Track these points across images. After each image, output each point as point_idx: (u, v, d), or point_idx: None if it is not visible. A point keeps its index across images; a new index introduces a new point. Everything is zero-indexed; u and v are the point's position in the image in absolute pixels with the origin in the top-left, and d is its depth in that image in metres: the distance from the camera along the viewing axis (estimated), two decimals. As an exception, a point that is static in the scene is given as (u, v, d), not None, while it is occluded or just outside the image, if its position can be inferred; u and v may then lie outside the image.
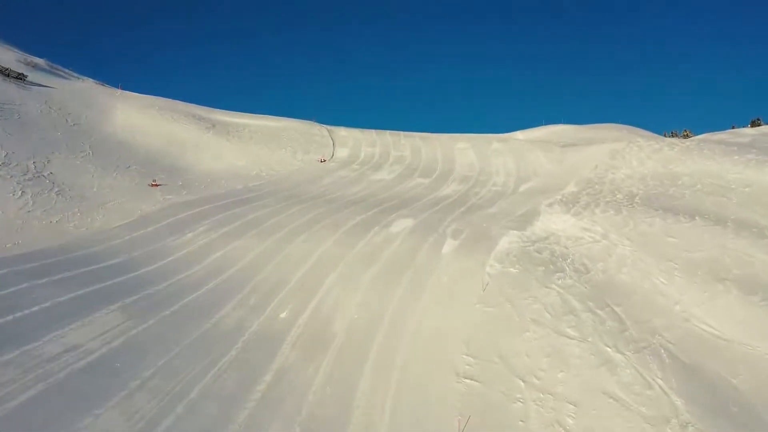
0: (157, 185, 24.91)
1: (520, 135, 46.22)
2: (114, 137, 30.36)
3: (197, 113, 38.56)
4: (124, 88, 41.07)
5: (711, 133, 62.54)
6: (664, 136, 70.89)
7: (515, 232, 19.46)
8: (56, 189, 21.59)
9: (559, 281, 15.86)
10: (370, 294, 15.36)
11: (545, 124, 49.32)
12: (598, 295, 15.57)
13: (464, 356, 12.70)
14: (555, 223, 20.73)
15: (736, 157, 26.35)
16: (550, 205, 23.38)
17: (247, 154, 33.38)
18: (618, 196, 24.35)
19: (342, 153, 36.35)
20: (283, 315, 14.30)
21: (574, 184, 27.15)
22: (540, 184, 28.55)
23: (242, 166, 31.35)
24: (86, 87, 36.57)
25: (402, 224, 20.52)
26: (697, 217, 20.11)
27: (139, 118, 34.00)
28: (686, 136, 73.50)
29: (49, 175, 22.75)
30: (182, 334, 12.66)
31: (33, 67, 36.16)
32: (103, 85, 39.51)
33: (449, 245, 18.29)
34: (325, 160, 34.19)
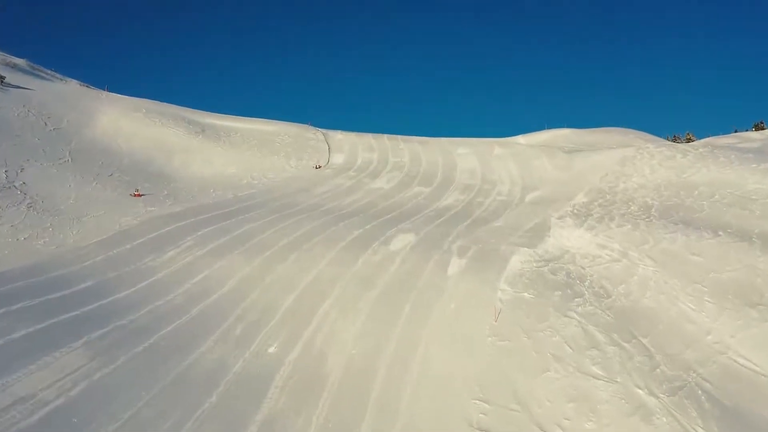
0: (140, 195, 23.26)
1: (521, 139, 44.74)
2: (97, 142, 28.68)
3: (187, 116, 36.89)
4: (110, 90, 39.40)
5: (716, 137, 61.33)
6: (667, 139, 69.69)
7: (526, 249, 17.92)
8: (28, 201, 19.92)
9: (579, 308, 14.32)
10: (369, 324, 13.77)
11: (547, 128, 47.88)
12: (623, 324, 14.05)
13: (477, 401, 11.13)
14: (568, 238, 19.21)
15: (754, 165, 24.92)
16: (561, 217, 21.87)
17: (238, 160, 31.74)
18: (632, 207, 22.87)
19: (338, 159, 34.76)
20: (271, 350, 12.70)
21: (584, 194, 25.66)
22: (547, 194, 27.04)
23: (233, 173, 29.71)
24: (70, 89, 34.86)
25: (403, 240, 18.96)
26: (720, 233, 18.62)
27: (125, 122, 32.31)
28: (689, 140, 72.22)
29: (21, 185, 21.07)
30: (155, 376, 11.04)
31: (12, 67, 34.42)
32: (88, 87, 37.80)
33: (455, 265, 16.73)
34: (320, 167, 32.61)
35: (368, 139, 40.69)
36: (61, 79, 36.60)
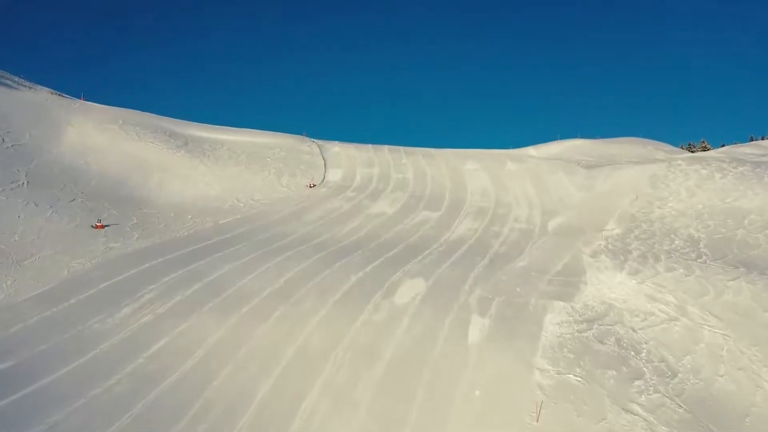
0: (102, 227, 19.99)
1: (533, 151, 41.53)
2: (61, 161, 25.41)
3: (168, 128, 33.61)
4: (88, 99, 36.09)
5: (734, 145, 58.16)
6: (681, 148, 66.56)
7: (561, 304, 14.68)
8: (-39, 239, 16.67)
9: (642, 397, 11.07)
10: (370, 421, 10.52)
11: (559, 138, 44.70)
12: (699, 419, 10.83)
13: None
14: (609, 287, 15.96)
15: (810, 189, 21.79)
16: (595, 255, 18.64)
17: (223, 178, 28.48)
18: (677, 242, 19.64)
19: (334, 175, 31.50)
20: (239, 469, 9.45)
21: (616, 222, 22.42)
22: (572, 220, 23.81)
23: (216, 195, 26.44)
24: (39, 99, 31.59)
25: (411, 289, 15.71)
26: (794, 280, 15.45)
27: (97, 136, 29.04)
28: (705, 148, 69.09)
29: (-43, 218, 17.82)
30: None
31: (-26, 74, 31.17)
32: (60, 95, 34.49)
33: (477, 327, 13.48)
34: (314, 185, 29.36)
35: (368, 151, 37.43)
36: (30, 87, 33.34)
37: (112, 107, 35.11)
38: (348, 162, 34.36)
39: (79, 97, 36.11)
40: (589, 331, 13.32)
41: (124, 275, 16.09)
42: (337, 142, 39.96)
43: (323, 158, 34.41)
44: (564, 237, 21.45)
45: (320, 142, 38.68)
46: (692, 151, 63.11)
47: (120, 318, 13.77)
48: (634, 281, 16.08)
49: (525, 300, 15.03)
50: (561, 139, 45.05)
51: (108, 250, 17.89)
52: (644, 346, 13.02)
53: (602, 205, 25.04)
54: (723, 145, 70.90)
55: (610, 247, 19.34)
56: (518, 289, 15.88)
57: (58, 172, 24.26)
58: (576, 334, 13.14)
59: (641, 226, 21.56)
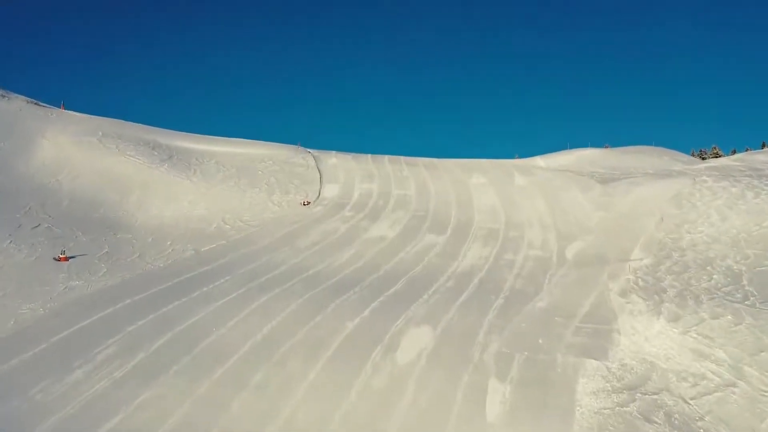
0: (66, 259, 17.72)
1: (541, 162, 39.32)
2: (30, 180, 23.19)
3: (153, 139, 31.40)
4: (68, 107, 33.89)
5: (748, 153, 55.96)
6: (692, 155, 64.39)
7: (594, 364, 12.42)
8: None
9: (710, 506, 8.83)
10: None
11: (569, 148, 42.49)
12: None
13: None
14: (647, 338, 13.69)
15: None
16: (625, 293, 16.37)
17: (209, 196, 26.25)
18: (715, 277, 17.36)
19: (331, 191, 29.27)
20: None
21: (643, 250, 20.17)
22: (592, 246, 21.56)
23: (200, 215, 24.20)
24: (11, 108, 29.39)
25: (416, 342, 13.45)
26: None
27: (73, 150, 26.83)
28: (716, 155, 67.00)
29: None
30: None
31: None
32: (37, 104, 32.26)
33: (496, 398, 11.22)
34: (308, 203, 27.14)
35: (367, 163, 35.24)
36: (3, 96, 31.11)
37: (93, 117, 32.95)
38: (345, 176, 32.15)
39: (59, 106, 33.91)
40: (632, 404, 11.05)
41: (81, 324, 13.81)
42: (334, 152, 37.86)
43: (319, 171, 32.22)
44: (586, 268, 19.19)
45: (316, 152, 36.53)
46: (703, 158, 61.02)
47: (69, 385, 11.48)
48: (675, 331, 13.81)
49: (551, 356, 12.77)
50: (570, 147, 42.86)
51: (67, 291, 15.60)
52: (700, 423, 10.76)
53: (624, 228, 22.80)
54: (734, 151, 68.88)
55: (640, 282, 17.08)
56: (541, 341, 13.62)
57: (24, 193, 22.05)
58: (617, 408, 10.87)
59: (672, 255, 19.30)
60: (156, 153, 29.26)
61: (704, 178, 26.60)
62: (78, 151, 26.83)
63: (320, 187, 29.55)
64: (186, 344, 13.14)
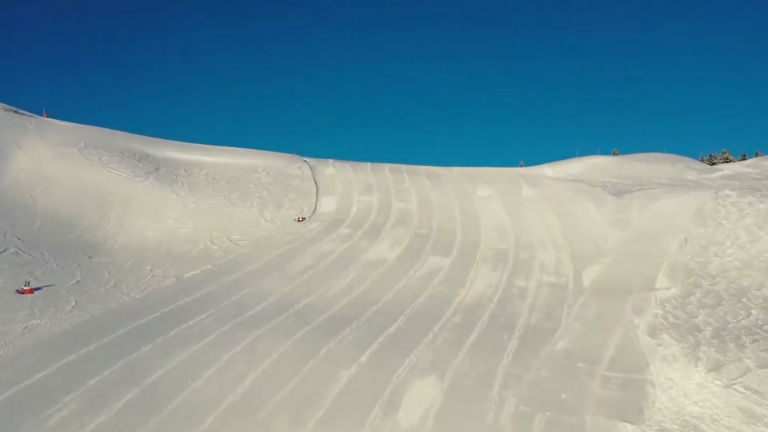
0: (30, 291, 15.94)
1: (549, 170, 37.51)
2: (1, 197, 21.42)
3: (139, 149, 29.66)
4: (51, 115, 32.14)
5: (760, 158, 54.15)
6: (701, 160, 62.58)
7: (630, 428, 10.66)
8: None
9: None
10: None
11: (577, 155, 40.67)
12: None
13: None
14: (686, 392, 11.91)
15: None
16: (654, 332, 14.60)
17: (197, 212, 24.49)
18: (754, 312, 15.55)
19: (328, 205, 27.51)
20: None
21: (668, 276, 18.39)
22: (612, 271, 19.80)
23: (186, 234, 22.45)
24: (-12, 117, 27.70)
25: (421, 396, 11.69)
26: None
27: (51, 163, 25.10)
28: (726, 160, 65.21)
29: None
30: None
31: None
32: (16, 112, 30.49)
33: (517, 477, 9.46)
34: (303, 219, 25.37)
35: (366, 173, 33.48)
36: (-22, 104, 29.46)
37: (76, 125, 31.22)
38: (343, 187, 30.39)
39: (41, 114, 32.15)
40: (680, 487, 9.28)
41: (36, 376, 12.02)
42: (331, 160, 36.16)
43: (315, 183, 30.45)
44: (606, 298, 17.42)
45: (313, 161, 34.80)
46: (713, 163, 59.24)
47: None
48: (718, 383, 12.05)
49: (578, 418, 11.00)
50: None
51: (26, 332, 13.82)
52: None
53: (645, 250, 21.03)
54: (744, 156, 67.09)
55: (670, 318, 15.31)
56: (564, 395, 11.85)
57: (-8, 213, 20.30)
58: (663, 494, 9.10)
59: (701, 283, 17.52)
60: (141, 165, 27.52)
61: (727, 192, 24.83)
62: (56, 164, 25.11)
63: (316, 201, 27.79)
64: (156, 401, 11.36)
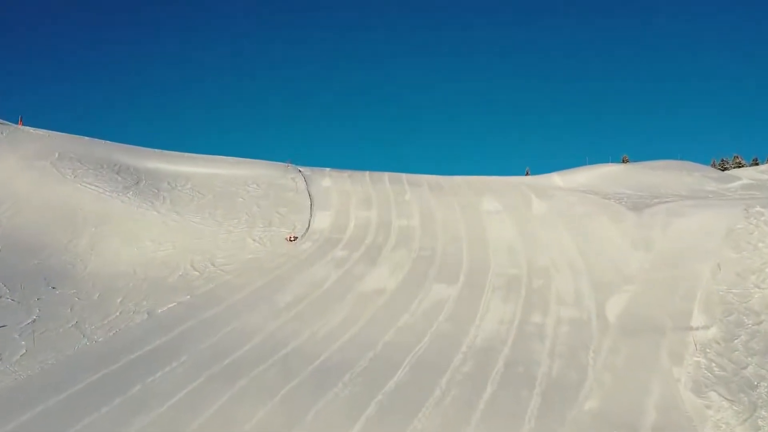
0: (-26, 336, 13.85)
1: (558, 180, 35.44)
2: (-43, 218, 19.30)
3: (119, 160, 27.54)
4: (27, 123, 30.01)
5: (775, 164, 51.68)
6: (713, 165, 60.49)
7: None
8: None
9: None
10: None
11: (588, 163, 38.63)
12: None
13: None
14: (751, 477, 9.83)
15: None
16: (699, 387, 12.48)
17: (178, 231, 22.38)
18: (812, 361, 13.47)
19: (322, 221, 25.40)
20: None
21: (703, 312, 16.26)
22: (638, 302, 17.67)
23: (164, 257, 20.34)
24: (-46, 127, 25.59)
25: (427, 485, 9.56)
26: None
27: (20, 177, 22.99)
28: (739, 164, 63.11)
29: None
30: None
31: None
32: (-14, 120, 28.50)
33: None
34: (295, 238, 23.26)
35: (364, 183, 31.37)
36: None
37: (53, 133, 29.11)
38: (340, 201, 28.27)
39: (16, 121, 30.02)
40: None
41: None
42: (328, 169, 34.09)
43: (310, 196, 28.33)
44: (636, 339, 15.28)
45: (308, 171, 32.71)
46: (725, 169, 57.15)
47: None
48: (788, 464, 9.93)
49: None
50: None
51: (-43, 394, 11.70)
52: None
53: (673, 277, 18.90)
54: (756, 160, 64.94)
55: (715, 369, 13.18)
56: (601, 480, 9.73)
57: (-55, 238, 18.18)
58: None
59: (744, 322, 15.38)
60: (120, 178, 25.40)
61: (759, 209, 22.65)
62: (25, 178, 23.00)
63: (310, 217, 25.66)
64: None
